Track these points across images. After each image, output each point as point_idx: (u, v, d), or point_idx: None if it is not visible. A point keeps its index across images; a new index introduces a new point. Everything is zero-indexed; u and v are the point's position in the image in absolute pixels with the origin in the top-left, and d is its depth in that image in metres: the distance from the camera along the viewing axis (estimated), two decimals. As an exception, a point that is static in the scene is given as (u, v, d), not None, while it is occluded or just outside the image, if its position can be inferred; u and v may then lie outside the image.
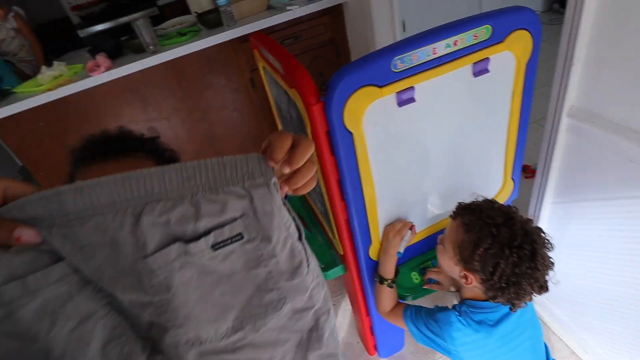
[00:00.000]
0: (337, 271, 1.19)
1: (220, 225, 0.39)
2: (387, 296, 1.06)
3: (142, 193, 0.37)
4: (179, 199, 0.37)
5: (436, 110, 0.89)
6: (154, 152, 0.69)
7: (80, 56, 2.32)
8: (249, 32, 1.95)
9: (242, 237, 0.41)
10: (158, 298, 0.40)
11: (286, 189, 0.42)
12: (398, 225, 1.01)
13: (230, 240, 0.40)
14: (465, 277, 0.84)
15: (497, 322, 0.86)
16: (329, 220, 1.07)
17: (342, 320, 1.68)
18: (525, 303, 0.83)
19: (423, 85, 0.82)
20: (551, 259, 0.80)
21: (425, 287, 1.09)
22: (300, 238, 0.45)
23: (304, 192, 0.43)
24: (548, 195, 1.31)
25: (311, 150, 0.41)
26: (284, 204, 0.42)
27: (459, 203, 0.91)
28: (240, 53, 2.06)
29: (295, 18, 2.03)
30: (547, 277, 0.80)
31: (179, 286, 0.40)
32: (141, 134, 0.71)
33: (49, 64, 1.98)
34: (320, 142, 0.82)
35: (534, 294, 0.81)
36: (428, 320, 0.94)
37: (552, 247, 0.81)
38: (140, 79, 1.96)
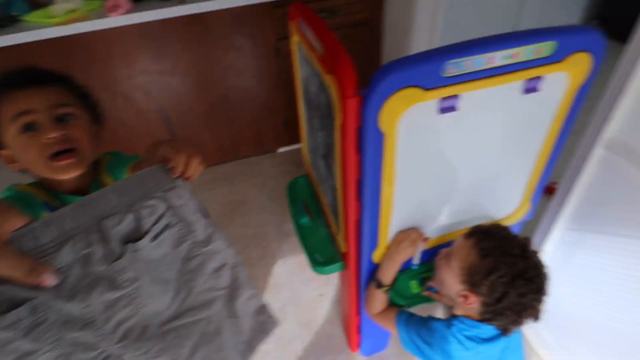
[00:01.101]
0: (335, 268, 1.14)
1: (154, 223, 0.56)
2: (380, 300, 1.05)
3: (95, 213, 0.50)
4: (123, 212, 0.52)
5: (476, 123, 0.82)
6: (71, 86, 0.77)
7: (100, -8, 2.20)
8: (283, -3, 1.84)
9: (168, 226, 0.58)
10: (130, 288, 0.54)
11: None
12: (413, 234, 0.97)
13: (162, 231, 0.57)
14: (466, 297, 0.84)
15: (487, 341, 0.86)
16: (337, 217, 1.02)
17: (329, 309, 1.65)
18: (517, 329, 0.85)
19: (469, 95, 0.75)
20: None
21: (425, 294, 1.06)
22: (207, 216, 0.65)
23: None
24: (562, 221, 1.27)
25: (199, 161, 0.63)
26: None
27: (478, 225, 0.89)
28: (270, 18, 1.96)
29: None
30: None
31: (141, 274, 0.56)
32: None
33: (66, -4, 1.86)
34: (348, 138, 0.76)
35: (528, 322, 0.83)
36: (421, 328, 0.93)
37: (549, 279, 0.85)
38: (160, 29, 1.86)
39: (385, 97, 0.68)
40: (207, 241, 0.63)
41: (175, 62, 2.00)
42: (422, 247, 0.99)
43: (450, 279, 0.87)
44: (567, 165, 1.18)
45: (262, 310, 0.79)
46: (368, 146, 0.75)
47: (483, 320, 0.86)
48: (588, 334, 1.26)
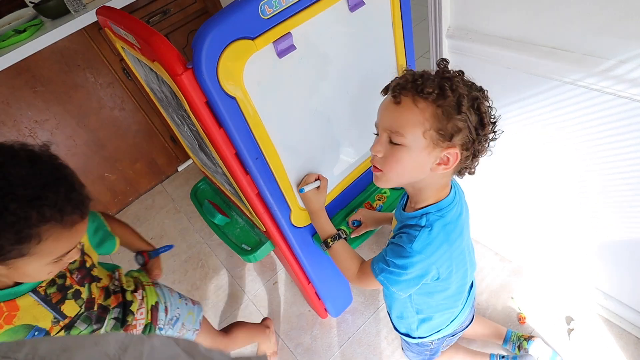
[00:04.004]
0: (265, 249, 1.12)
1: None
2: (346, 255, 0.88)
3: None
4: None
5: (321, 55, 0.82)
6: None
7: None
8: (103, 15, 1.69)
9: None
10: None
11: None
12: (308, 179, 0.94)
13: None
14: (447, 160, 0.67)
15: (459, 216, 0.76)
16: (242, 199, 0.98)
17: (288, 294, 1.64)
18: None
19: (300, 30, 0.74)
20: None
21: (354, 236, 1.05)
22: None
23: None
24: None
25: None
26: None
27: (393, 80, 0.70)
28: (101, 42, 1.80)
29: (157, -10, 1.81)
30: None
31: None
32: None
33: None
34: (202, 116, 0.72)
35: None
36: (395, 258, 0.73)
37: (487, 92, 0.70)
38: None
39: (216, 59, 0.65)
40: None
41: (17, 126, 1.76)
42: (317, 182, 0.93)
43: (417, 158, 0.67)
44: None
45: None
46: (225, 116, 0.72)
47: (462, 172, 0.72)
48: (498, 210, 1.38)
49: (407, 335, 0.98)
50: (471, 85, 0.67)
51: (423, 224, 0.71)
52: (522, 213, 1.35)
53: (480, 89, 0.68)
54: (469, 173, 0.74)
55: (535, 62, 0.96)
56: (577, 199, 1.14)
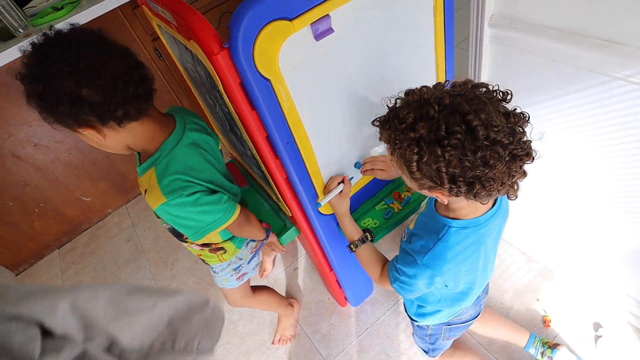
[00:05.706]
0: (290, 234, 1.12)
1: None
2: (370, 259, 0.90)
3: None
4: None
5: (359, 39, 0.80)
6: None
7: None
8: (138, -7, 1.70)
9: None
10: None
11: None
12: (330, 185, 0.94)
13: None
14: (439, 197, 0.65)
15: (485, 237, 0.73)
16: (269, 183, 0.98)
17: (308, 280, 1.64)
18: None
19: (339, 12, 0.72)
20: (517, 111, 0.58)
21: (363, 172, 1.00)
22: None
23: None
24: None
25: None
26: None
27: (372, 123, 0.66)
28: (135, 21, 1.81)
29: (191, -31, 1.80)
30: (525, 139, 0.58)
31: None
32: None
33: None
34: (236, 97, 0.71)
35: (523, 167, 0.60)
36: (405, 267, 0.74)
37: (508, 97, 0.59)
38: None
39: (252, 39, 0.64)
40: None
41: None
42: (340, 187, 0.95)
43: (425, 194, 0.66)
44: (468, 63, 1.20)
45: None
46: (259, 98, 0.71)
47: (483, 202, 0.62)
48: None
49: (410, 317, 1.01)
50: (436, 139, 0.54)
51: (440, 237, 0.69)
52: (553, 213, 1.30)
53: (448, 144, 0.53)
54: (508, 198, 0.64)
55: (584, 55, 0.91)
56: (613, 202, 1.08)
